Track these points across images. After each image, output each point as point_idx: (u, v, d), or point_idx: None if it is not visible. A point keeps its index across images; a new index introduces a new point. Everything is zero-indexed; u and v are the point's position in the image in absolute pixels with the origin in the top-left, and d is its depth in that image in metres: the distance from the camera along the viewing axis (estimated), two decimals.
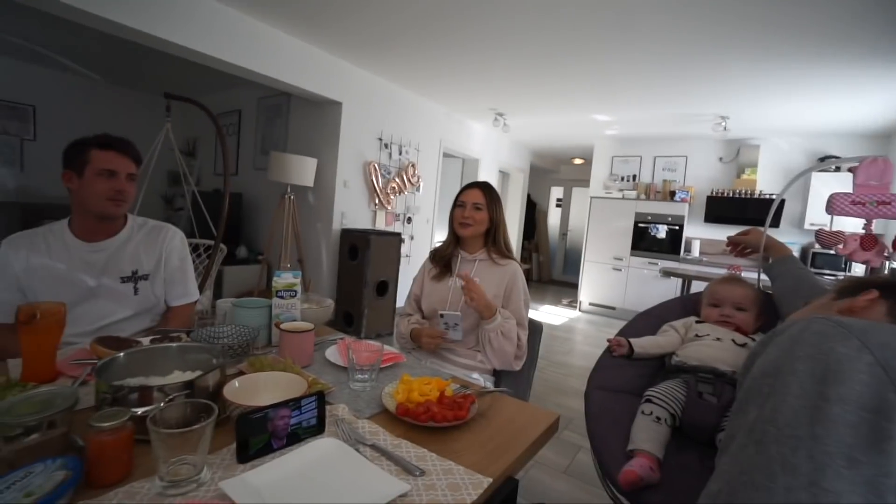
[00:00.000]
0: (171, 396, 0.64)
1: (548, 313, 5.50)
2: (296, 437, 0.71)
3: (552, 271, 8.38)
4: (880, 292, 0.63)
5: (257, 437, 0.65)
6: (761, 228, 1.06)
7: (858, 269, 3.94)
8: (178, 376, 0.79)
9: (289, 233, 3.48)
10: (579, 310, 5.74)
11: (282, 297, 1.23)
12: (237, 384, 0.79)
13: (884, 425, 0.38)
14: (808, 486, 0.38)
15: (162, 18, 2.54)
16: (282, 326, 1.10)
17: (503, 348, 1.38)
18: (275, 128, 4.34)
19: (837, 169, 4.18)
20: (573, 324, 5.08)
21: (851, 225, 0.98)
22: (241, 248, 4.35)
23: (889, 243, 0.83)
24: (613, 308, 5.46)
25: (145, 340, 0.96)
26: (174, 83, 4.72)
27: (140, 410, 0.61)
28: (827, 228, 0.93)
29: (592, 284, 5.63)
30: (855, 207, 0.80)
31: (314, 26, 3.04)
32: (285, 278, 1.25)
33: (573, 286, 6.73)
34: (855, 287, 0.67)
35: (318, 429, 0.75)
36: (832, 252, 0.91)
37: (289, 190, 3.45)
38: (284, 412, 0.68)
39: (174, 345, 0.84)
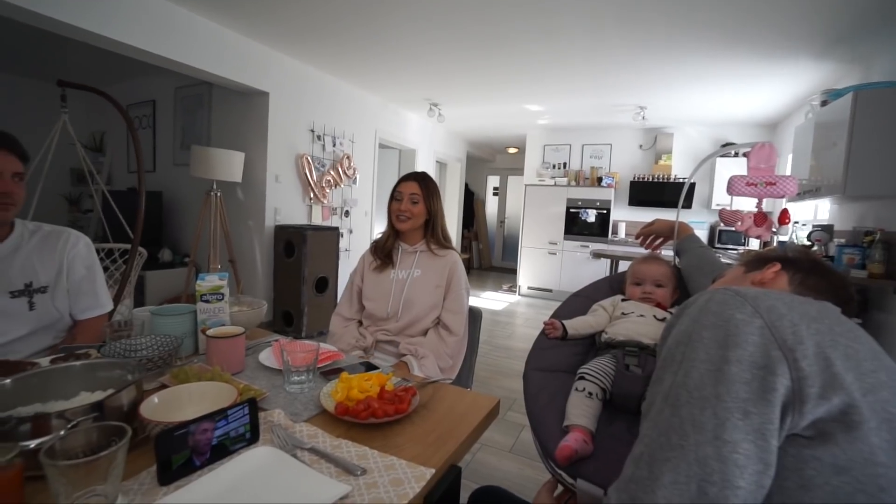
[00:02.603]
0: (73, 422, 0.57)
1: (489, 299, 5.64)
2: (226, 449, 0.67)
3: (492, 258, 8.59)
4: (781, 264, 0.71)
5: (180, 455, 0.61)
6: (662, 218, 1.16)
7: (754, 243, 4.44)
8: (85, 398, 0.71)
9: (217, 232, 3.26)
10: (519, 294, 5.95)
11: (207, 302, 1.16)
12: (157, 400, 0.73)
13: (769, 378, 0.44)
14: (713, 439, 0.43)
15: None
16: (208, 333, 1.03)
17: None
18: (196, 120, 4.02)
19: (736, 154, 4.66)
20: (514, 308, 5.25)
21: (749, 204, 1.09)
22: (165, 250, 4.02)
23: (776, 219, 0.94)
24: (550, 290, 5.71)
25: (44, 361, 0.85)
26: (74, 70, 4.22)
27: (34, 443, 0.54)
28: (728, 208, 1.03)
29: (530, 269, 5.84)
30: (748, 188, 0.90)
31: (236, 11, 2.85)
32: (210, 281, 1.17)
33: (512, 272, 6.94)
34: (760, 261, 0.75)
35: (251, 438, 0.71)
36: (733, 229, 1.03)
37: (214, 186, 3.22)
38: (210, 425, 0.64)
39: (78, 363, 0.75)
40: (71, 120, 2.63)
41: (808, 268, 0.70)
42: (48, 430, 0.57)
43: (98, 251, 2.30)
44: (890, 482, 0.42)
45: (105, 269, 2.34)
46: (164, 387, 0.86)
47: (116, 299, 2.26)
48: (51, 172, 2.60)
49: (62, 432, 0.54)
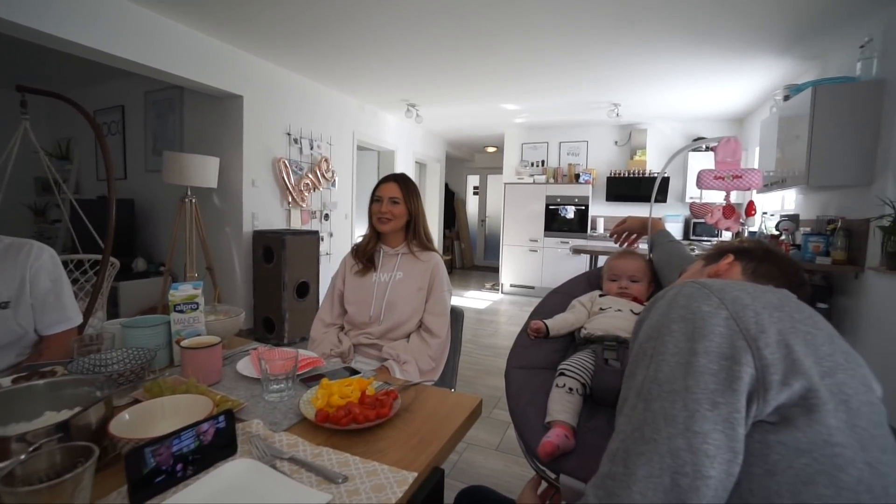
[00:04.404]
0: (36, 445, 0.55)
1: (473, 298, 5.66)
2: (201, 464, 0.65)
3: (474, 257, 8.62)
4: (734, 255, 0.74)
5: (153, 472, 0.59)
6: (637, 213, 1.20)
7: (727, 235, 4.57)
8: (50, 418, 0.68)
9: (193, 239, 3.18)
10: (501, 292, 5.98)
11: (181, 312, 1.13)
12: (128, 416, 0.70)
13: (735, 368, 0.45)
14: (684, 431, 0.44)
15: (20, 1, 2.19)
16: (183, 343, 1.00)
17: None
18: (167, 125, 3.92)
19: (707, 149, 4.79)
20: (497, 306, 5.28)
21: (720, 197, 1.12)
22: (139, 260, 3.90)
23: (743, 212, 0.97)
24: (532, 287, 5.76)
25: (5, 381, 0.81)
26: (37, 75, 4.06)
27: None
28: (698, 201, 1.06)
29: (512, 267, 5.88)
30: (716, 181, 0.92)
31: (206, 14, 2.78)
32: (184, 290, 1.14)
33: (494, 270, 6.98)
34: (717, 254, 0.78)
35: (228, 450, 0.69)
36: (704, 221, 1.07)
37: (189, 193, 3.15)
38: (184, 439, 0.62)
39: (42, 382, 0.72)
40: (33, 127, 2.52)
41: (760, 256, 0.73)
42: (7, 454, 0.54)
43: (67, 262, 2.23)
44: (846, 461, 0.43)
45: (75, 281, 2.26)
46: (136, 402, 0.83)
47: (87, 312, 2.18)
48: (13, 182, 2.49)
49: (23, 456, 0.51)
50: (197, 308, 1.14)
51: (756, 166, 3.75)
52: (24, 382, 0.75)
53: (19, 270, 1.15)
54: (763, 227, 3.39)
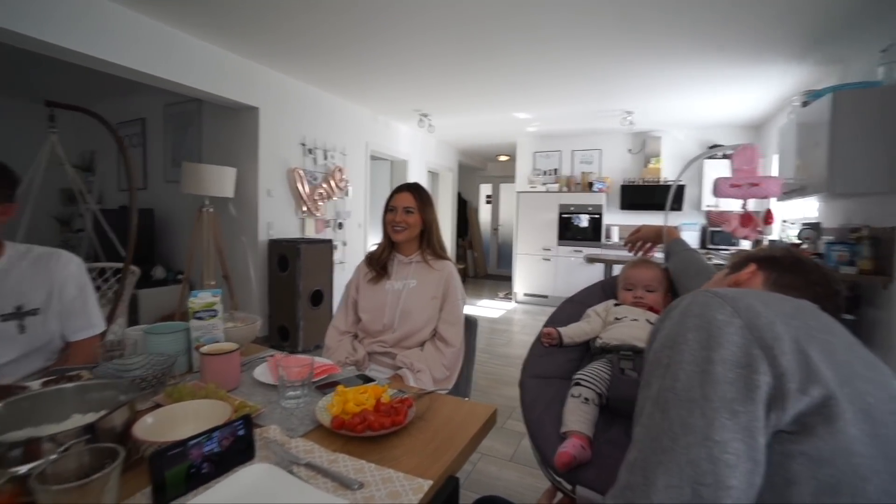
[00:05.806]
0: (65, 445, 0.57)
1: (486, 307, 5.63)
2: (221, 467, 0.66)
3: (487, 266, 8.59)
4: (757, 265, 0.73)
5: (175, 475, 0.60)
6: (649, 224, 1.19)
7: (745, 243, 4.49)
8: (77, 420, 0.70)
9: (210, 248, 3.25)
10: (515, 301, 5.95)
11: (201, 319, 1.15)
12: (150, 419, 0.72)
13: (752, 377, 0.44)
14: (703, 440, 0.43)
15: (47, 20, 2.27)
16: (202, 350, 1.02)
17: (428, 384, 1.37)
18: (186, 137, 4.03)
19: (724, 156, 4.73)
20: (510, 315, 5.25)
21: (737, 205, 1.11)
22: (158, 268, 3.99)
23: (761, 220, 0.96)
24: (546, 296, 5.71)
25: (35, 384, 0.84)
26: (61, 89, 4.21)
27: (25, 468, 0.53)
28: (715, 209, 1.05)
29: (525, 276, 5.85)
30: (733, 189, 0.91)
31: (224, 29, 2.87)
32: (203, 298, 1.17)
33: (507, 279, 6.93)
34: (741, 262, 0.76)
35: (246, 455, 0.71)
36: (721, 229, 1.05)
37: (206, 202, 3.22)
38: (204, 443, 0.64)
39: (69, 385, 0.74)
40: (59, 139, 2.62)
41: (784, 266, 0.70)
42: (39, 454, 0.56)
43: (90, 270, 2.29)
44: (870, 471, 0.42)
45: (97, 288, 2.32)
46: (158, 406, 0.85)
47: (109, 319, 2.24)
48: (40, 193, 2.58)
49: (53, 456, 0.53)
50: (216, 315, 1.17)
51: (775, 174, 3.69)
52: (52, 386, 0.77)
53: (49, 279, 1.19)
54: (785, 235, 3.32)
